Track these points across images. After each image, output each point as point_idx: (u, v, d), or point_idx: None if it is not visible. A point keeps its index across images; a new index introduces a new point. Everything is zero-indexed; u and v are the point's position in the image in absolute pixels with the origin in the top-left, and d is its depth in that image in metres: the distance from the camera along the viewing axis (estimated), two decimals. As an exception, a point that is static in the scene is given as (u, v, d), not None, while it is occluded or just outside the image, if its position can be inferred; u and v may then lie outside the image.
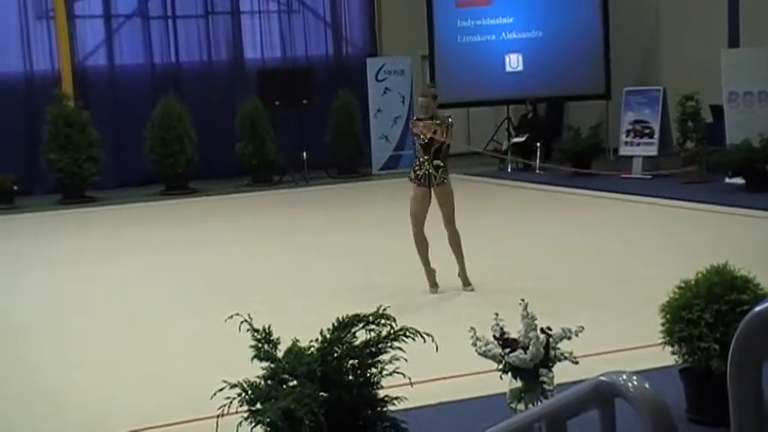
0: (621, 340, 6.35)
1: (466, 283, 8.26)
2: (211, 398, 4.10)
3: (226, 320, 4.54)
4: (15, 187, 15.34)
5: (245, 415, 4.06)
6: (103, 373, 6.57)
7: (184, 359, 6.80)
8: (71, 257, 10.99)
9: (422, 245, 8.23)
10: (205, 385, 4.41)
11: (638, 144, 15.37)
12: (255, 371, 4.22)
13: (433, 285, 8.27)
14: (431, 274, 8.29)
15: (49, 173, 15.74)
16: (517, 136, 17.11)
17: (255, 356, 4.29)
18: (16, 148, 16.29)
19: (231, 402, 4.04)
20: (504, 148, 17.18)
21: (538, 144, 16.46)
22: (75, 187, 15.67)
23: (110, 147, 16.32)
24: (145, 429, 5.36)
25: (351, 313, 4.27)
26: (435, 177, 8.09)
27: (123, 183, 16.91)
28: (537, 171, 16.18)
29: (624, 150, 15.61)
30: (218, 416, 3.99)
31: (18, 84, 16.75)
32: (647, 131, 15.27)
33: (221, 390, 4.11)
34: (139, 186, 16.69)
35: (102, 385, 6.30)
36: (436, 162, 8.08)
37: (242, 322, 4.32)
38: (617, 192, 13.63)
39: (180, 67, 17.85)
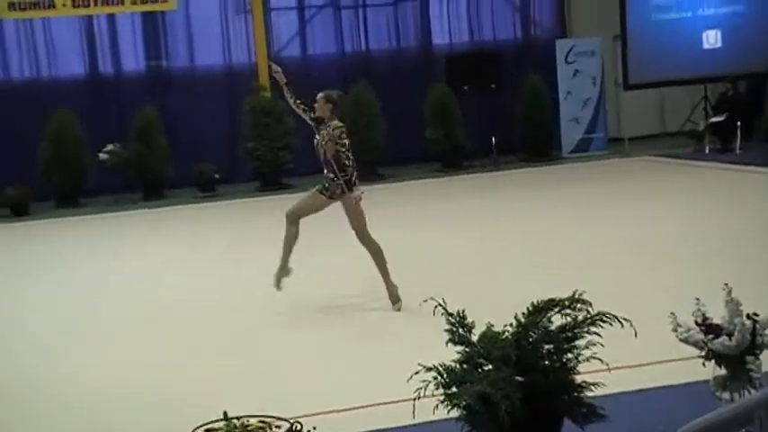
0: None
1: (394, 300, 7.68)
2: (407, 381, 4.16)
3: (420, 304, 4.60)
4: (217, 176, 16.05)
5: (441, 398, 4.10)
6: (300, 354, 6.78)
7: (377, 341, 6.92)
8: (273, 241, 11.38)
9: (290, 238, 7.88)
10: (400, 368, 4.48)
11: None
12: (450, 354, 4.25)
13: (278, 283, 7.86)
14: (284, 269, 7.86)
15: (248, 161, 16.37)
16: (715, 115, 16.40)
17: (450, 340, 4.32)
18: (217, 138, 17.06)
19: (427, 386, 4.09)
20: (702, 128, 16.51)
21: (738, 123, 15.72)
22: (271, 175, 16.23)
23: (304, 135, 16.74)
24: (342, 410, 5.49)
25: (543, 298, 4.24)
26: (326, 189, 7.78)
27: (317, 170, 17.28)
28: (737, 152, 15.46)
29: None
30: (414, 398, 4.05)
31: (219, 76, 17.50)
32: None
33: (417, 373, 4.16)
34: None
35: (300, 364, 6.51)
36: (326, 173, 7.77)
37: (436, 306, 4.36)
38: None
39: (370, 55, 18.16)
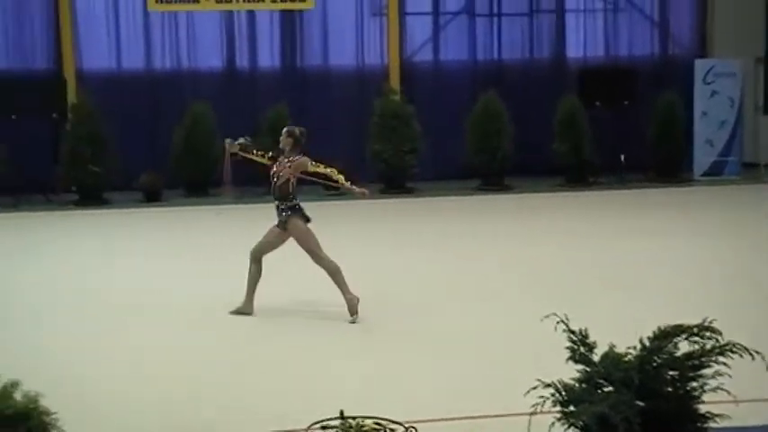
0: None
1: (352, 311, 7.96)
2: (525, 395, 4.12)
3: (542, 320, 4.55)
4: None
5: (558, 416, 4.04)
6: (409, 358, 6.80)
7: (494, 354, 6.88)
8: (393, 242, 11.46)
9: (253, 276, 8.16)
10: (516, 382, 4.44)
11: None
12: (569, 372, 4.19)
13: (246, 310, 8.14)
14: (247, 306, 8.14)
15: (374, 163, 16.49)
16: None
17: (570, 358, 4.26)
18: (345, 137, 17.23)
19: (544, 402, 4.04)
20: None
21: None
22: (396, 178, 16.32)
23: (430, 140, 16.81)
24: (455, 419, 5.48)
25: (671, 323, 4.14)
26: (279, 222, 8.15)
27: (441, 175, 17.33)
28: None
29: None
30: (530, 413, 4.01)
31: (350, 77, 17.68)
32: None
33: (534, 388, 4.11)
34: (456, 180, 17.04)
35: (415, 369, 6.52)
36: (276, 201, 8.18)
37: (558, 322, 4.31)
38: None
39: (502, 64, 18.06)
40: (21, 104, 15.12)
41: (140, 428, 5.59)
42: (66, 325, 7.96)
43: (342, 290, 8.04)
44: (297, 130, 8.36)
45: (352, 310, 7.97)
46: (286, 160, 8.22)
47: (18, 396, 3.81)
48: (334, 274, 8.05)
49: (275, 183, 8.20)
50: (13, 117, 15.05)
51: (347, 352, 7.08)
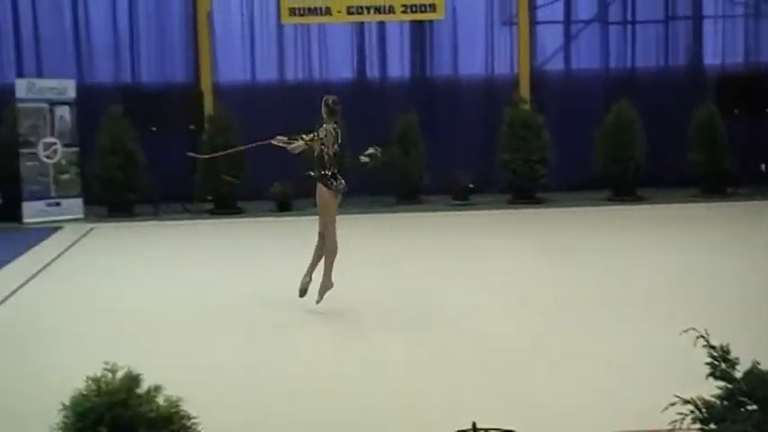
0: None
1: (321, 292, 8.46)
2: (662, 412, 4.01)
3: (680, 334, 4.42)
4: (471, 185, 16.19)
5: (697, 433, 3.92)
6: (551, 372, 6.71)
7: (629, 368, 6.72)
8: (518, 254, 11.37)
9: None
10: (654, 397, 4.33)
11: None
12: (709, 389, 4.06)
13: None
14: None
15: (502, 172, 16.40)
16: None
17: (711, 374, 4.12)
18: (474, 147, 17.21)
19: (683, 419, 3.93)
20: None
21: None
22: (525, 187, 16.18)
23: (560, 149, 16.60)
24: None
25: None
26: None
27: (570, 186, 17.10)
28: None
29: None
30: (668, 431, 3.90)
31: (480, 86, 17.65)
32: None
33: (673, 404, 4.00)
34: (586, 190, 16.78)
35: (545, 379, 6.44)
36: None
37: (698, 337, 4.18)
38: None
39: (635, 72, 17.71)
40: (160, 117, 15.69)
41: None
42: (219, 330, 8.17)
43: (327, 272, 8.48)
44: (329, 99, 8.74)
45: (322, 294, 8.45)
46: (319, 131, 8.55)
47: (160, 400, 3.92)
48: (331, 254, 8.49)
49: (313, 155, 8.58)
50: (153, 129, 15.61)
51: (470, 365, 7.03)
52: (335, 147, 8.56)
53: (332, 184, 8.54)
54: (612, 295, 9.05)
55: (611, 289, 9.35)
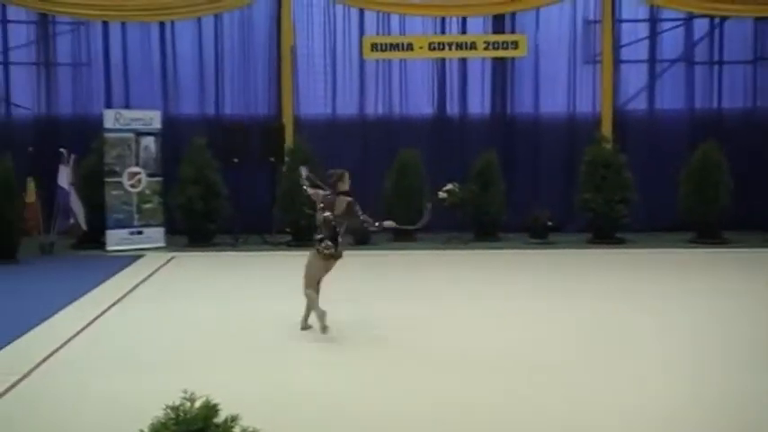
0: None
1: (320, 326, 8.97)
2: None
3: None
4: (550, 223, 16.02)
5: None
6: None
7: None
8: (601, 295, 11.18)
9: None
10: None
11: None
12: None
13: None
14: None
15: (582, 212, 16.20)
16: None
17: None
18: (554, 184, 17.08)
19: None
20: None
21: None
22: (605, 227, 15.94)
23: (643, 190, 16.35)
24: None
25: None
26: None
27: (653, 227, 16.81)
28: None
29: None
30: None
31: (561, 124, 17.51)
32: None
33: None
34: (669, 232, 16.47)
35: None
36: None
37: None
38: None
39: (722, 113, 17.38)
40: (242, 149, 15.91)
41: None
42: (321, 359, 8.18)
43: (307, 311, 9.19)
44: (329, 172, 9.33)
45: (321, 326, 8.96)
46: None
47: (237, 430, 3.91)
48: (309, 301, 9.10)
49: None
50: (235, 161, 15.83)
51: (517, 390, 6.89)
52: (325, 214, 8.99)
53: (318, 246, 9.05)
54: (697, 343, 8.82)
55: (697, 336, 9.12)
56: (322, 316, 8.97)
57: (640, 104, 17.62)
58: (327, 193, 9.05)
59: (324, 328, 8.92)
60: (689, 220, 16.02)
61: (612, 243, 15.74)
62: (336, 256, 9.03)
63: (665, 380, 7.42)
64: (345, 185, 9.09)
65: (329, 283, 9.23)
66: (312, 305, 9.08)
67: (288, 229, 15.97)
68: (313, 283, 9.06)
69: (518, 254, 14.95)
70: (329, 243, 8.94)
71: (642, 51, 17.47)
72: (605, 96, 17.09)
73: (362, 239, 15.49)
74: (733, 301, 10.73)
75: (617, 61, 17.32)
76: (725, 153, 15.91)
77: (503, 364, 7.96)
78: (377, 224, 8.97)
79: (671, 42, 17.59)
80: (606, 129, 16.85)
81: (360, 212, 8.91)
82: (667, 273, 12.92)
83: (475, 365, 7.91)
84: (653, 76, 17.58)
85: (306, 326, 9.21)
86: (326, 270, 9.11)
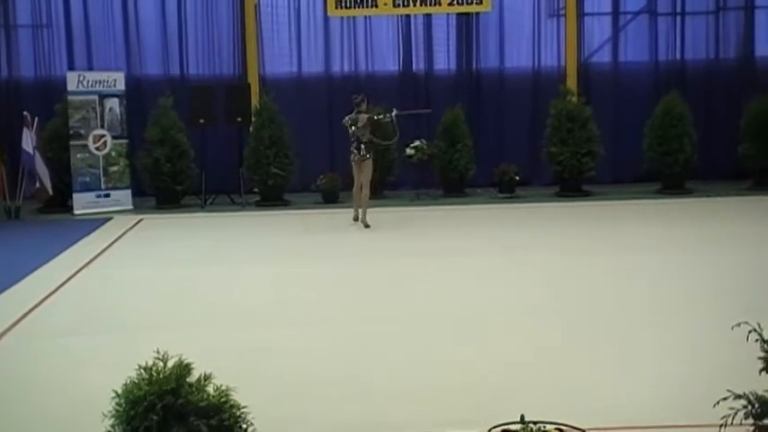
0: None
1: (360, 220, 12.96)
2: (714, 406, 3.98)
3: (732, 328, 4.38)
4: (517, 177, 16.12)
5: (751, 429, 3.88)
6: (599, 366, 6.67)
7: (680, 363, 6.65)
8: (574, 246, 11.31)
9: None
10: (705, 392, 4.29)
11: None
12: (762, 384, 4.02)
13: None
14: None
15: (549, 165, 16.31)
16: None
17: (764, 369, 4.08)
18: (520, 140, 17.15)
19: (735, 414, 3.89)
20: None
21: None
22: (572, 181, 16.07)
23: (608, 142, 16.47)
24: (640, 428, 5.33)
25: None
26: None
27: (618, 179, 16.97)
28: None
29: None
30: (720, 425, 3.87)
31: (527, 79, 17.52)
32: None
33: (725, 399, 3.97)
34: (634, 183, 16.63)
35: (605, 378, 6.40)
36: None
37: (750, 331, 4.14)
38: None
39: (684, 65, 17.48)
40: (208, 110, 15.83)
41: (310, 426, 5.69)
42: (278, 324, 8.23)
43: (363, 209, 12.95)
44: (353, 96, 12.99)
45: (363, 222, 12.89)
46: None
47: (211, 389, 3.96)
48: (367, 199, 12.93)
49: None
50: (201, 122, 15.74)
51: (523, 356, 7.00)
52: (353, 128, 12.70)
53: (351, 153, 12.84)
54: (664, 290, 8.97)
55: (665, 282, 9.26)
56: (360, 215, 13.03)
57: (604, 57, 17.67)
58: (352, 114, 12.71)
59: (365, 225, 12.82)
60: (653, 172, 16.18)
61: (579, 195, 15.87)
62: (361, 160, 12.70)
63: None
64: (364, 106, 12.80)
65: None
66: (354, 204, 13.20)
67: (256, 189, 15.95)
68: (356, 186, 12.97)
69: (484, 209, 15.05)
70: (355, 150, 12.69)
71: (605, 3, 17.48)
72: (570, 50, 17.14)
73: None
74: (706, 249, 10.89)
75: (581, 14, 17.34)
76: (688, 104, 16.04)
77: (492, 319, 8.06)
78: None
79: (634, -7, 17.62)
80: (571, 82, 16.93)
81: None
82: (633, 222, 13.09)
83: (453, 321, 8.01)
84: (616, 29, 17.61)
85: (356, 216, 13.15)
86: (360, 171, 12.81)
